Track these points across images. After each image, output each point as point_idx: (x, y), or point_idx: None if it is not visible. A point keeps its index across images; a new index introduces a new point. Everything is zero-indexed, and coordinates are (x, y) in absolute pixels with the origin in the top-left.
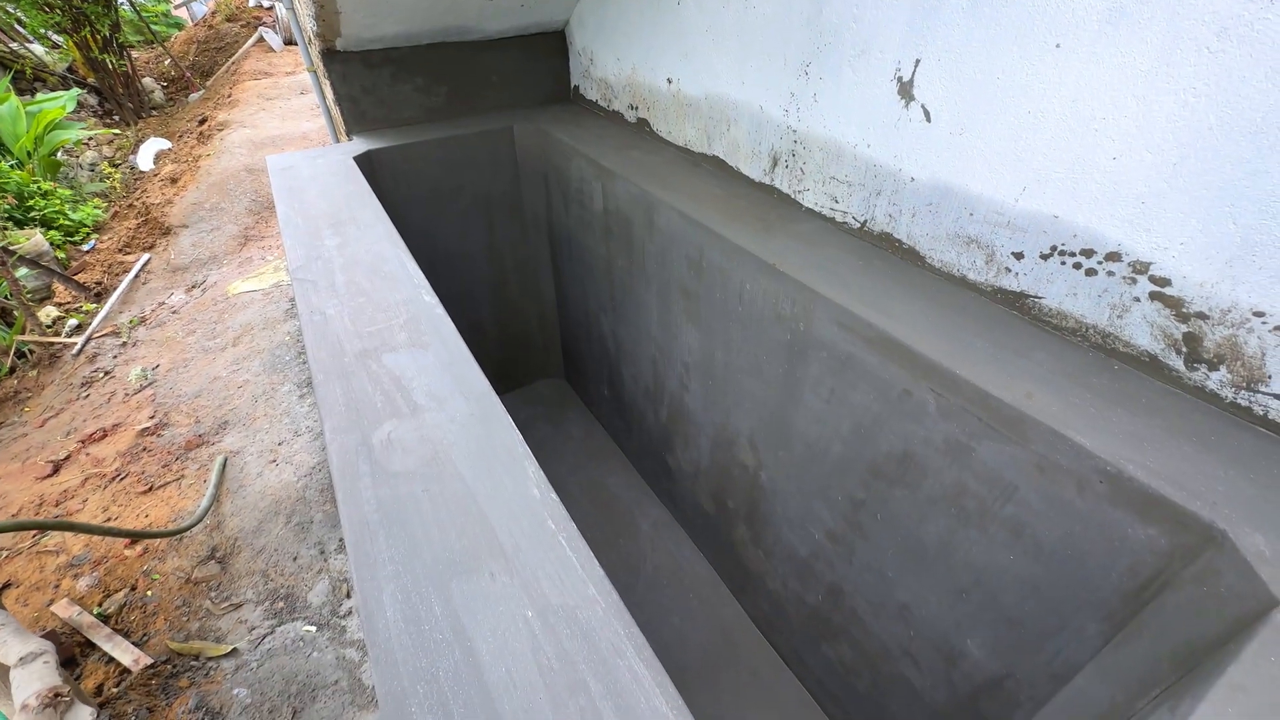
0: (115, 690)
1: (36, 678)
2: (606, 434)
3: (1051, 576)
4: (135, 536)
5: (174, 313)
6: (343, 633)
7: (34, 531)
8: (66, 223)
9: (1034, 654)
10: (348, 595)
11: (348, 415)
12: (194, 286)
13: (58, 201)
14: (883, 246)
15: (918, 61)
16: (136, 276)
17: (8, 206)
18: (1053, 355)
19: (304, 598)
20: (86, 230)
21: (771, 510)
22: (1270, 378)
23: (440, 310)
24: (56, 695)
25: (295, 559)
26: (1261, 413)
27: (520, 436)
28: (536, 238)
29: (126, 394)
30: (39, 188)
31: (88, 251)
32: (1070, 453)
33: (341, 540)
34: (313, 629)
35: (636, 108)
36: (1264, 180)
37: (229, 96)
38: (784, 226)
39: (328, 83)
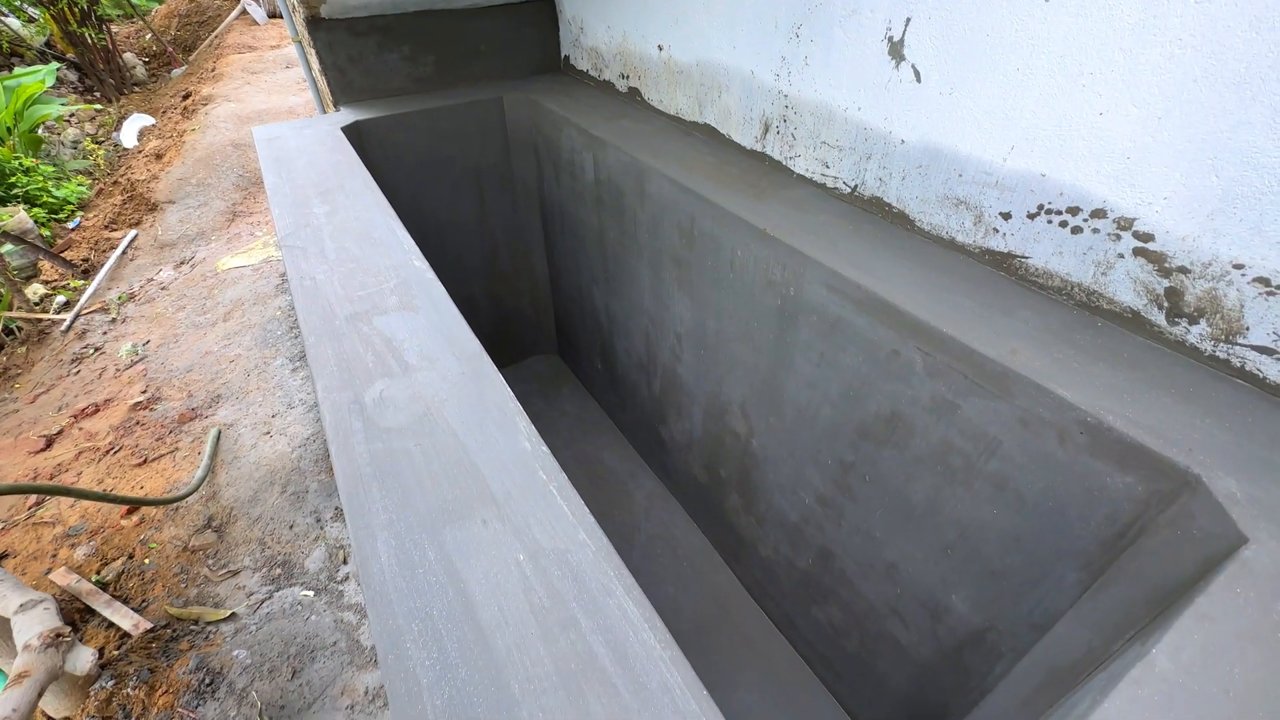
0: (116, 653)
1: (38, 621)
2: (600, 409)
3: (1033, 528)
4: (131, 503)
5: (163, 289)
6: (340, 597)
7: (30, 503)
8: (50, 200)
9: (1015, 605)
10: (344, 561)
11: (340, 375)
12: (182, 263)
13: (40, 178)
14: (873, 211)
15: (908, 20)
16: (124, 253)
17: None
18: (1038, 313)
19: (301, 564)
20: (71, 208)
21: (763, 477)
22: (1248, 330)
23: (431, 275)
24: (58, 636)
25: (291, 527)
26: (1239, 364)
27: (511, 394)
28: (528, 210)
29: (118, 369)
30: (20, 164)
31: (73, 229)
32: (1052, 405)
33: (337, 508)
34: (310, 594)
35: (627, 76)
36: (1246, 132)
37: (213, 71)
38: (775, 193)
39: (313, 52)
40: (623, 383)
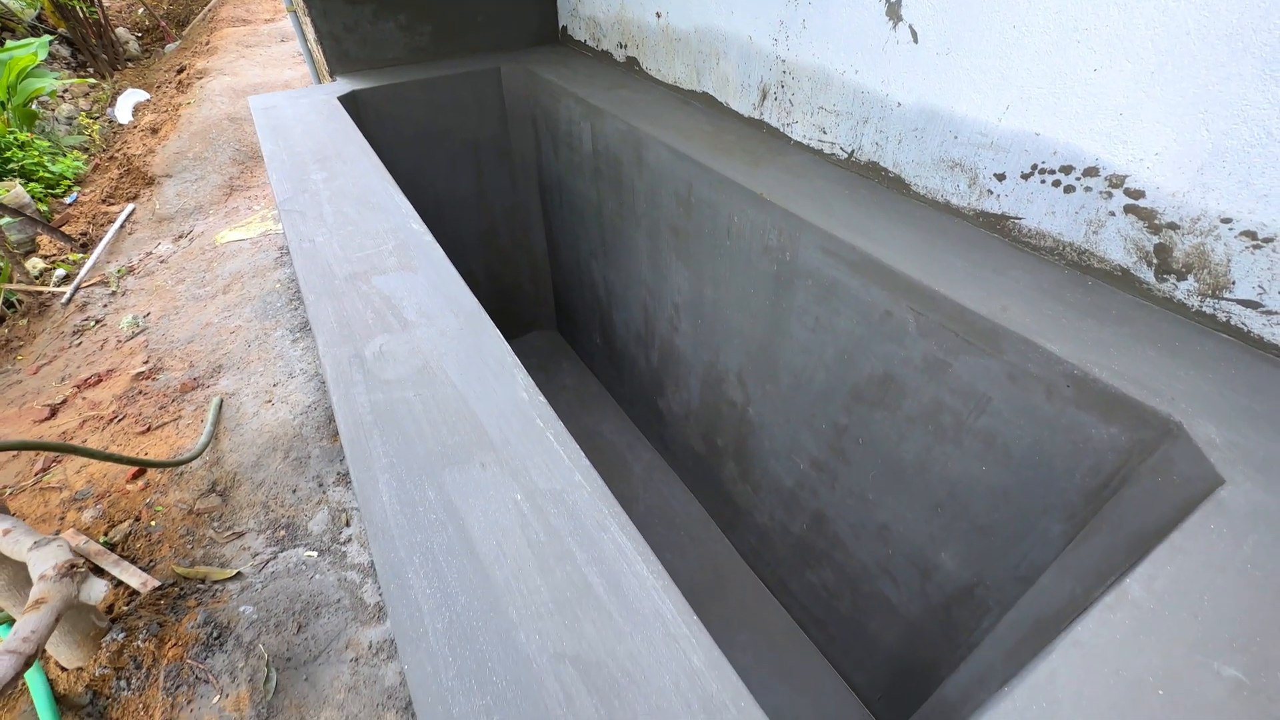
0: (126, 608)
1: (53, 556)
2: (599, 383)
3: (1020, 482)
4: (137, 464)
5: (162, 262)
6: (343, 558)
7: (37, 469)
8: (46, 175)
9: (1002, 559)
10: (347, 524)
11: (340, 331)
12: (181, 236)
13: (36, 153)
14: (869, 176)
15: None
16: (122, 227)
17: None
18: (1029, 273)
19: (305, 527)
20: (68, 183)
21: (759, 445)
22: (1234, 284)
23: (429, 237)
24: (73, 566)
25: (294, 491)
26: (1225, 319)
27: (509, 348)
28: (526, 183)
29: (119, 341)
30: (15, 138)
31: (70, 204)
32: (1041, 360)
33: (339, 473)
34: (314, 554)
35: (625, 46)
36: (1236, 84)
37: (207, 44)
38: (772, 159)
39: (308, 20)
40: (621, 356)
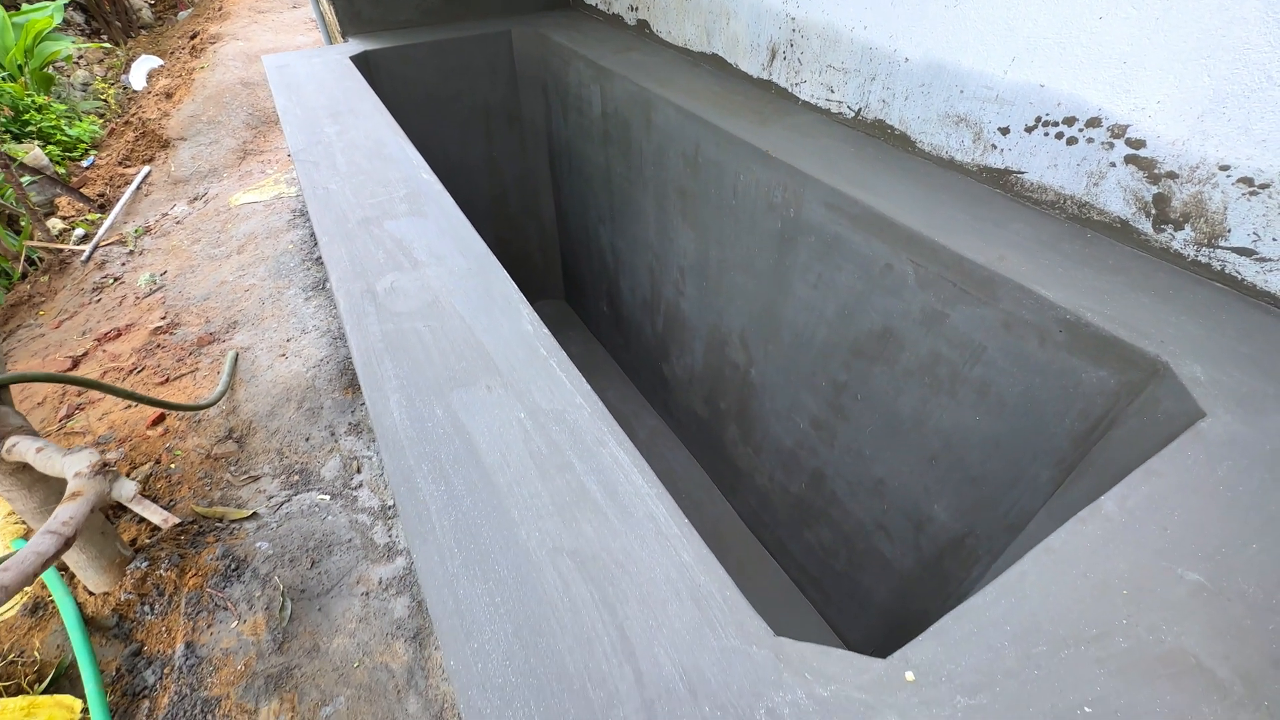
0: (148, 541)
1: (86, 457)
2: (605, 351)
3: (1011, 430)
4: (158, 404)
5: (178, 223)
6: (354, 502)
7: (61, 415)
8: (64, 138)
9: (992, 509)
10: (358, 470)
11: (352, 269)
12: (196, 198)
13: (53, 116)
14: (875, 134)
15: None
16: (138, 189)
17: (4, 119)
18: (1029, 226)
19: (318, 473)
20: (84, 147)
21: (760, 406)
22: (1230, 232)
23: (439, 186)
24: (105, 465)
25: (308, 439)
26: (1219, 268)
27: (515, 286)
28: (535, 149)
29: (137, 297)
30: (33, 101)
31: (87, 168)
32: (1035, 306)
33: (351, 423)
34: (326, 498)
35: (636, 8)
36: (1239, 28)
37: (219, 9)
38: (780, 119)
39: None
40: (627, 323)
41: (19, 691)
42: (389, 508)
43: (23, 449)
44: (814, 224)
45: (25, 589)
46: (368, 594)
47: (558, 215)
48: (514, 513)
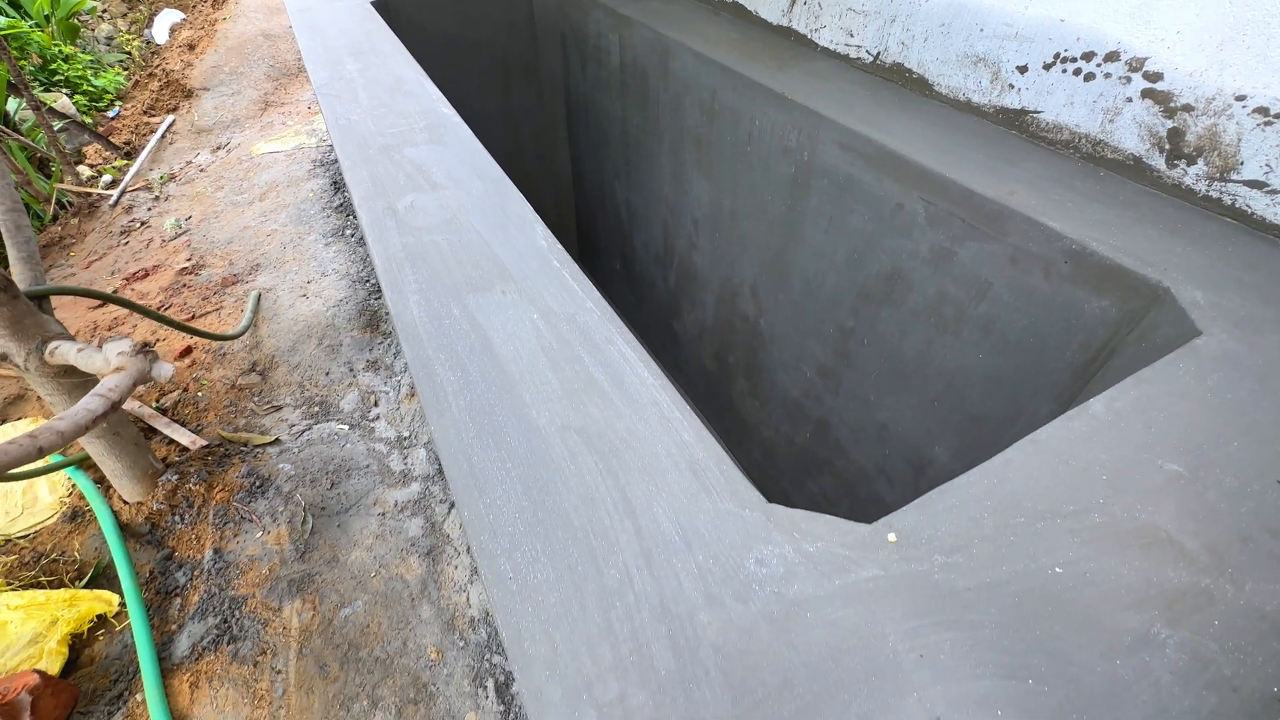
0: (177, 459)
1: (127, 342)
2: (618, 310)
3: (1013, 367)
4: (188, 331)
5: (202, 170)
6: (371, 432)
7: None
8: (90, 89)
9: (992, 448)
10: (375, 404)
11: (374, 189)
12: (219, 147)
13: (79, 66)
14: (893, 79)
15: None
16: (163, 137)
17: (32, 68)
18: (1043, 164)
19: (337, 405)
20: (109, 98)
21: (769, 357)
22: (1242, 165)
23: (458, 119)
24: (145, 345)
25: (327, 374)
26: (1230, 202)
27: (530, 207)
28: (553, 104)
29: (163, 240)
30: (60, 50)
31: (113, 118)
32: (1042, 238)
33: (368, 360)
34: (345, 428)
35: None
36: None
37: None
38: (797, 64)
39: None
40: (640, 280)
41: (61, 586)
42: (404, 439)
43: (64, 351)
44: (827, 166)
45: (59, 501)
46: (384, 514)
47: (573, 173)
48: (525, 396)
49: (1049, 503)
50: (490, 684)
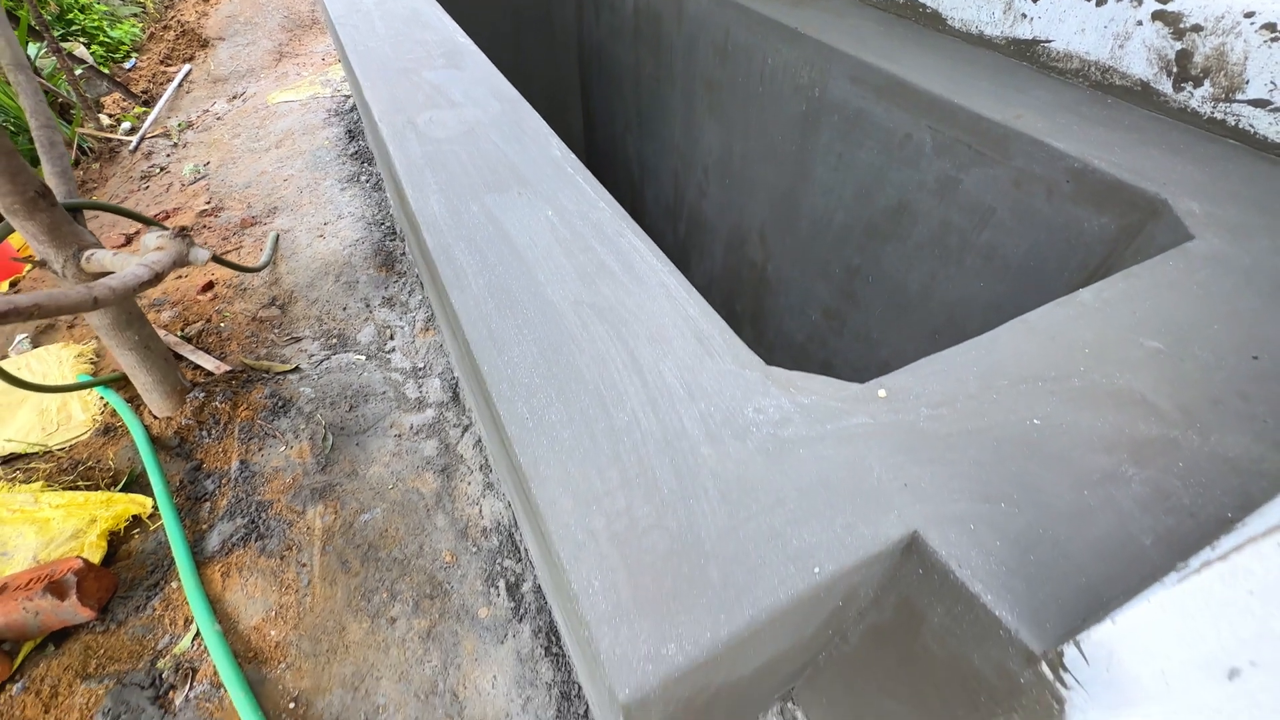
0: (203, 382)
1: (166, 231)
2: None
3: (1013, 292)
4: (213, 259)
5: (218, 119)
6: (387, 363)
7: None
8: (106, 39)
9: None
10: (391, 338)
11: (393, 105)
12: (235, 96)
13: (95, 16)
14: (907, 16)
15: None
16: (180, 86)
17: (50, 17)
18: (1051, 92)
19: (354, 338)
20: (126, 49)
21: (775, 304)
22: (1247, 84)
23: (474, 47)
24: (183, 230)
25: (344, 309)
26: (1233, 123)
27: (545, 123)
28: (565, 57)
29: (182, 185)
30: (76, 1)
31: (129, 69)
32: (1046, 159)
33: (385, 297)
34: (362, 358)
35: None
36: None
37: None
38: (813, 2)
39: None
40: (650, 234)
41: (97, 490)
42: (419, 369)
43: (100, 257)
44: (838, 101)
45: (92, 416)
46: (400, 436)
47: (584, 127)
48: (540, 277)
49: (1032, 370)
50: (501, 584)
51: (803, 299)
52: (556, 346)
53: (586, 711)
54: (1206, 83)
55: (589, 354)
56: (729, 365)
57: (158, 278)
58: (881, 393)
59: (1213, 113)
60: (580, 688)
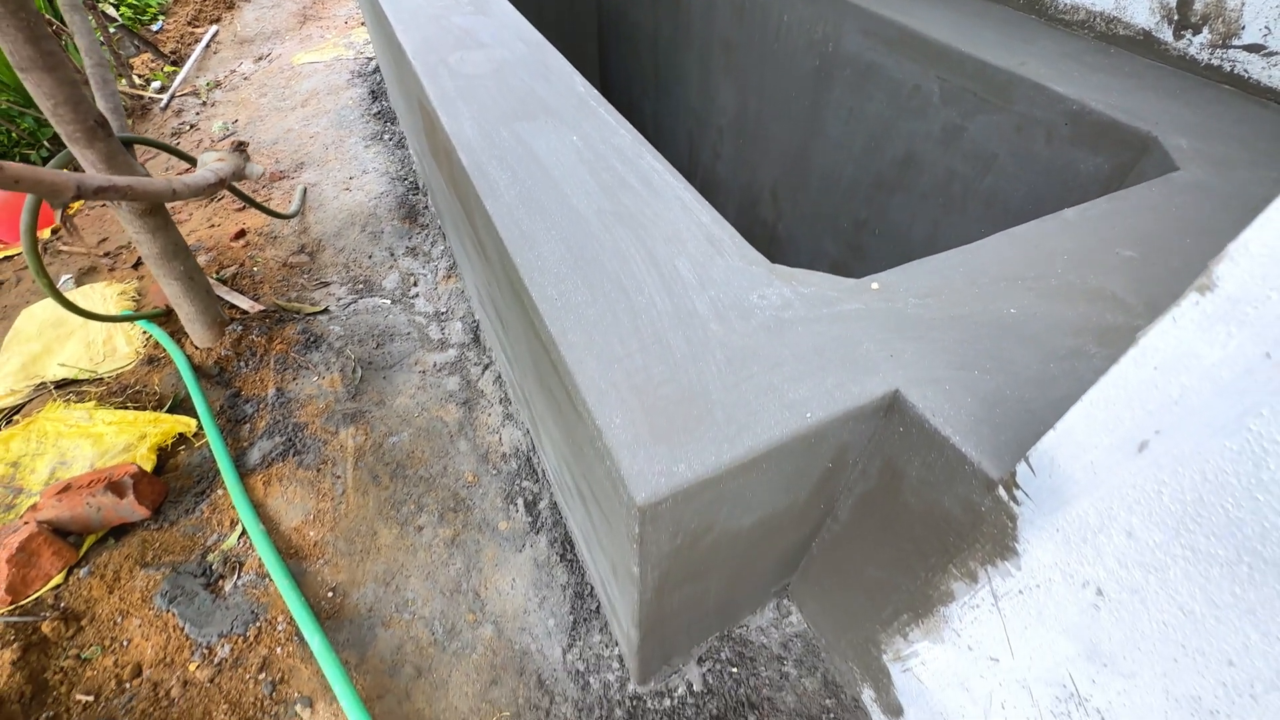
0: (240, 318)
1: (220, 149)
2: None
3: None
4: (249, 201)
5: (245, 78)
6: (412, 307)
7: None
8: (134, 1)
9: None
10: (414, 284)
11: (426, 46)
12: (261, 57)
13: None
14: None
15: None
16: (208, 46)
17: None
18: (1056, 43)
19: (379, 284)
20: (153, 11)
21: (785, 260)
22: (1243, 29)
23: None
24: (241, 144)
25: (370, 257)
26: (1229, 69)
27: (569, 63)
28: (585, 21)
29: (212, 141)
30: None
31: (157, 31)
32: (1046, 103)
33: (409, 247)
34: (388, 302)
35: None
36: None
37: None
38: None
39: None
40: None
41: (144, 410)
42: (442, 313)
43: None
44: (850, 55)
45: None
46: (424, 372)
47: (601, 90)
48: (566, 189)
49: (1013, 271)
50: (520, 501)
51: (811, 255)
52: (581, 244)
53: (598, 609)
54: (1205, 30)
55: (610, 251)
56: (737, 262)
57: (221, 182)
58: (874, 285)
59: (1210, 59)
60: (592, 588)
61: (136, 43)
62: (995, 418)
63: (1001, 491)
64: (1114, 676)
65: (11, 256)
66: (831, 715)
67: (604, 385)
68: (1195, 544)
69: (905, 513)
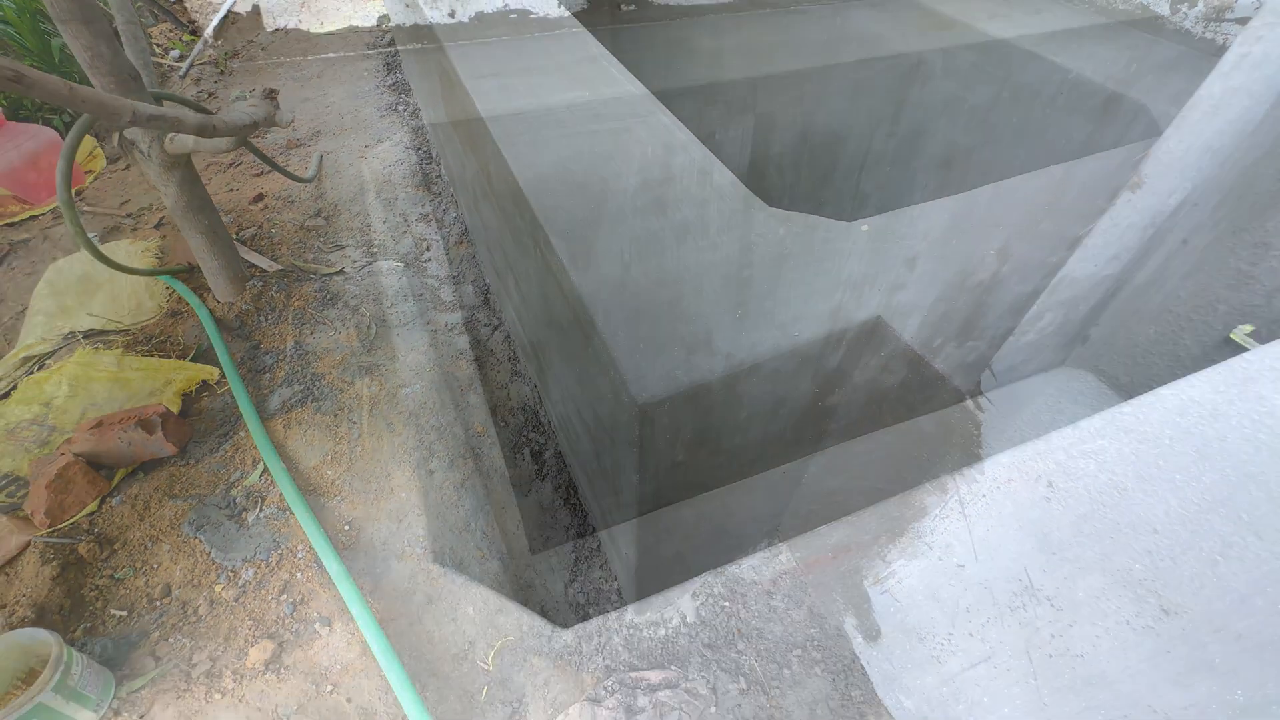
0: (259, 275)
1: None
2: None
3: None
4: (270, 164)
5: (263, 49)
6: (424, 270)
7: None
8: None
9: None
10: (427, 249)
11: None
12: (278, 30)
13: None
14: None
15: None
16: (225, 17)
17: None
18: (1058, 17)
19: (393, 248)
20: None
21: None
22: (1237, 2)
23: None
24: (272, 91)
25: (384, 222)
26: (1221, 41)
27: (586, 30)
28: None
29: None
30: None
31: (175, 2)
32: (1042, 72)
33: (421, 213)
34: (401, 265)
35: None
36: None
37: None
38: None
39: None
40: None
41: (169, 359)
42: (454, 276)
43: (183, 139)
44: (856, 31)
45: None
46: (436, 331)
47: None
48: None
49: (999, 217)
50: (526, 451)
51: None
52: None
53: (599, 546)
54: (1200, 3)
55: (610, 143)
56: (736, 206)
57: (255, 125)
58: (865, 227)
59: (1204, 32)
60: (594, 528)
61: (156, 11)
62: (968, 338)
63: (969, 402)
64: (1061, 563)
65: (37, 216)
66: (815, 642)
67: (608, 299)
68: (1126, 424)
69: (886, 435)
